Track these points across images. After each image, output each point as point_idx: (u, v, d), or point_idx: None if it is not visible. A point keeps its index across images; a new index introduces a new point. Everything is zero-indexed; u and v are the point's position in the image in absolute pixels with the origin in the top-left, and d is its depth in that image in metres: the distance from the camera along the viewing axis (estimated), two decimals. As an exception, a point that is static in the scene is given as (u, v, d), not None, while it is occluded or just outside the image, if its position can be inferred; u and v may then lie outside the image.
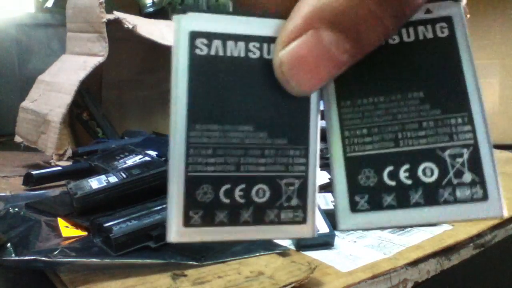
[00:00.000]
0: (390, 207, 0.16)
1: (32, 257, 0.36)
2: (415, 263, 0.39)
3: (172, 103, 0.16)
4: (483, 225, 0.46)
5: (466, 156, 0.16)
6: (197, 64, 0.16)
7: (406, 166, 0.16)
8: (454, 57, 0.17)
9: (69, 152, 0.80)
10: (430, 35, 0.17)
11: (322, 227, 0.41)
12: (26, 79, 1.10)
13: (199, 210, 0.16)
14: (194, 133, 0.16)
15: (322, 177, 0.59)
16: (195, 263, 0.37)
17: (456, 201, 0.16)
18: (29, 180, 0.65)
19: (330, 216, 0.42)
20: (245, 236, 0.16)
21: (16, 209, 0.50)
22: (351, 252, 0.40)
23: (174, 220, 0.16)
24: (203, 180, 0.16)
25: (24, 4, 1.40)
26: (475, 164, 0.16)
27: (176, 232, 0.16)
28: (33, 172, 0.65)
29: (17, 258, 0.37)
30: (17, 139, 0.90)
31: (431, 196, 0.16)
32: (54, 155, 0.79)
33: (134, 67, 1.11)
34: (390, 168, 0.16)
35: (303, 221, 0.17)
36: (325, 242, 0.41)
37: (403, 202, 0.16)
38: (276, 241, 0.42)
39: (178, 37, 0.16)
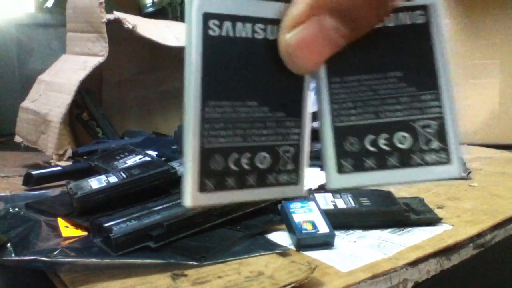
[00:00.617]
0: (371, 168, 0.19)
1: (32, 257, 0.36)
2: (415, 263, 0.39)
3: (187, 82, 0.17)
4: (483, 225, 0.46)
5: (434, 127, 0.19)
6: (210, 44, 0.17)
7: (385, 135, 0.19)
8: (427, 42, 0.19)
9: (69, 152, 0.80)
10: (408, 21, 0.19)
11: (322, 227, 0.41)
12: (26, 79, 1.10)
13: (212, 177, 0.18)
14: (208, 109, 0.17)
15: (322, 177, 0.59)
16: (195, 263, 0.37)
17: (425, 164, 0.19)
18: (29, 180, 0.65)
19: (330, 216, 0.42)
20: (250, 197, 0.19)
21: (16, 209, 0.50)
22: (351, 252, 0.40)
23: (190, 187, 0.17)
24: (215, 151, 0.18)
25: (24, 4, 1.40)
26: (441, 134, 0.19)
27: (193, 197, 0.17)
28: (33, 172, 0.65)
29: (17, 258, 0.37)
30: (17, 139, 0.90)
31: (405, 159, 0.19)
32: (54, 155, 0.79)
33: (134, 67, 1.11)
34: (371, 136, 0.19)
35: (296, 182, 0.19)
36: (325, 242, 0.41)
37: (381, 164, 0.19)
38: (276, 241, 0.42)
39: (192, 18, 0.17)
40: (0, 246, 0.39)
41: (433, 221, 0.47)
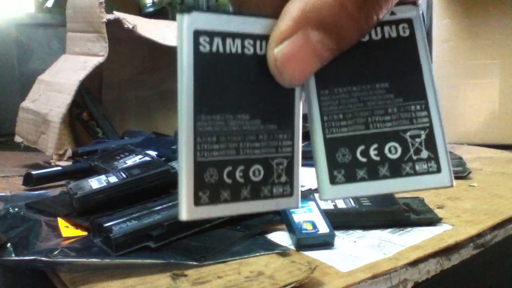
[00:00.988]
0: (363, 179, 0.19)
1: (32, 257, 0.36)
2: (415, 263, 0.39)
3: (180, 96, 0.17)
4: (483, 225, 0.46)
5: (423, 136, 0.19)
6: (201, 60, 0.18)
7: (375, 145, 0.19)
8: (414, 54, 0.20)
9: (69, 152, 0.80)
10: (394, 34, 0.20)
11: (322, 227, 0.41)
12: (26, 79, 1.10)
13: (207, 190, 0.18)
14: (201, 123, 0.18)
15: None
16: (195, 263, 0.37)
17: (415, 173, 0.19)
18: (29, 180, 0.65)
19: (330, 216, 0.42)
20: (244, 210, 0.19)
21: (16, 209, 0.50)
22: (351, 252, 0.40)
23: (186, 201, 0.18)
24: (209, 164, 0.18)
25: (24, 4, 1.40)
26: (430, 143, 0.19)
27: (188, 211, 0.18)
28: (33, 172, 0.65)
29: (17, 258, 0.37)
30: (17, 139, 0.90)
31: (396, 169, 0.19)
32: (54, 155, 0.79)
33: (134, 67, 1.11)
34: (361, 147, 0.19)
35: (291, 194, 0.20)
36: (325, 242, 0.41)
37: (373, 175, 0.19)
38: (276, 241, 0.42)
39: (183, 35, 0.17)
40: (0, 246, 0.39)
41: (433, 221, 0.47)
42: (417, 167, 0.19)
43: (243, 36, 0.18)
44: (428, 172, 0.19)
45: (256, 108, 0.19)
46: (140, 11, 1.55)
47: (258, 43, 0.19)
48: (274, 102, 0.19)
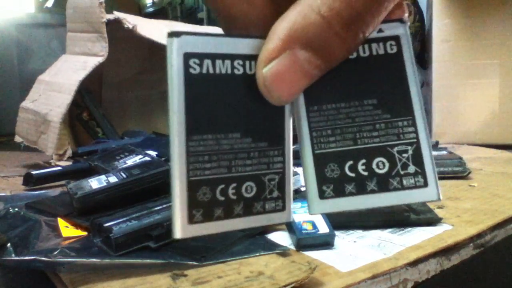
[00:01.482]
0: (351, 194, 0.19)
1: (32, 257, 0.36)
2: (415, 263, 0.39)
3: (171, 117, 0.18)
4: (483, 225, 0.46)
5: (410, 152, 0.20)
6: (191, 82, 0.18)
7: (363, 161, 0.20)
8: (401, 70, 0.20)
9: (69, 152, 0.80)
10: (381, 51, 0.20)
11: (322, 227, 0.41)
12: (26, 79, 1.10)
13: (200, 208, 0.18)
14: (192, 143, 0.18)
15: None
16: (195, 263, 0.37)
17: (403, 188, 0.19)
18: (29, 180, 0.65)
19: (330, 216, 0.42)
20: (237, 226, 0.19)
21: (16, 209, 0.50)
22: (351, 252, 0.40)
23: (179, 219, 0.18)
24: (202, 182, 0.18)
25: (24, 4, 1.40)
26: (417, 158, 0.20)
27: (182, 229, 0.18)
28: (33, 172, 0.65)
29: (17, 258, 0.37)
30: (17, 139, 0.90)
31: (383, 184, 0.19)
32: (54, 155, 0.79)
33: (134, 67, 1.11)
34: (350, 162, 0.20)
35: (283, 208, 0.20)
36: (325, 242, 0.41)
37: (361, 189, 0.19)
38: (276, 241, 0.42)
39: (173, 58, 0.18)
40: (0, 246, 0.39)
41: (433, 221, 0.47)
42: (404, 182, 0.19)
43: (232, 57, 0.19)
44: (415, 187, 0.19)
45: (247, 127, 0.19)
46: (140, 11, 1.55)
47: (247, 63, 0.19)
48: (264, 120, 0.19)
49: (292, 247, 0.41)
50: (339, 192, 0.19)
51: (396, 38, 0.20)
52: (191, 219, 0.18)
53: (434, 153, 0.75)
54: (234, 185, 0.19)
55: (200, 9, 2.28)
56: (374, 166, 0.19)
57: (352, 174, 0.19)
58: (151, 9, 1.61)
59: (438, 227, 0.46)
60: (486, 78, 1.03)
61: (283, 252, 0.39)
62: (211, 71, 0.18)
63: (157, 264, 0.37)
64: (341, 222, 0.45)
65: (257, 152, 0.19)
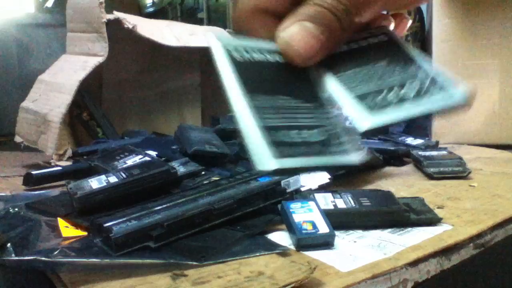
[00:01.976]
0: (393, 104, 0.24)
1: (32, 257, 0.36)
2: (415, 263, 0.39)
3: (228, 87, 0.23)
4: (483, 225, 0.46)
5: (427, 82, 0.24)
6: (237, 63, 0.24)
7: (395, 89, 0.24)
8: (396, 44, 0.27)
9: (69, 152, 0.80)
10: (376, 41, 0.28)
11: (322, 227, 0.41)
12: (26, 79, 1.10)
13: (282, 146, 0.21)
14: (250, 99, 0.22)
15: (322, 177, 0.59)
16: (195, 263, 0.37)
17: (432, 94, 0.24)
18: (29, 180, 0.65)
19: (330, 216, 0.42)
20: (315, 163, 0.22)
21: (16, 209, 0.50)
22: (351, 252, 0.40)
23: (268, 153, 0.20)
24: (276, 128, 0.22)
25: (24, 4, 1.40)
26: (433, 83, 0.25)
27: (272, 161, 0.20)
28: (33, 172, 0.65)
29: (17, 258, 0.37)
30: (17, 139, 0.90)
31: (417, 94, 0.24)
32: (54, 155, 0.79)
33: (134, 67, 1.11)
34: (384, 92, 0.24)
35: (352, 150, 0.23)
36: (325, 242, 0.41)
37: (401, 101, 0.24)
38: (276, 241, 0.42)
39: (218, 50, 0.24)
40: (0, 246, 0.39)
41: (433, 221, 0.47)
42: (432, 91, 0.24)
43: (261, 50, 0.25)
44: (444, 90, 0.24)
45: (287, 92, 0.24)
46: (140, 11, 1.55)
47: (276, 55, 0.25)
48: (300, 88, 0.25)
49: (292, 247, 0.41)
50: (385, 105, 0.23)
51: (385, 33, 0.28)
52: (277, 154, 0.20)
53: (434, 153, 0.76)
54: (305, 130, 0.22)
55: (200, 9, 2.28)
56: (405, 88, 0.24)
57: (391, 95, 0.24)
58: (151, 9, 1.61)
59: (438, 227, 0.46)
60: (486, 78, 1.03)
61: (283, 252, 0.39)
62: (249, 57, 0.24)
63: (157, 264, 0.37)
64: (341, 222, 0.45)
65: (307, 109, 0.24)
